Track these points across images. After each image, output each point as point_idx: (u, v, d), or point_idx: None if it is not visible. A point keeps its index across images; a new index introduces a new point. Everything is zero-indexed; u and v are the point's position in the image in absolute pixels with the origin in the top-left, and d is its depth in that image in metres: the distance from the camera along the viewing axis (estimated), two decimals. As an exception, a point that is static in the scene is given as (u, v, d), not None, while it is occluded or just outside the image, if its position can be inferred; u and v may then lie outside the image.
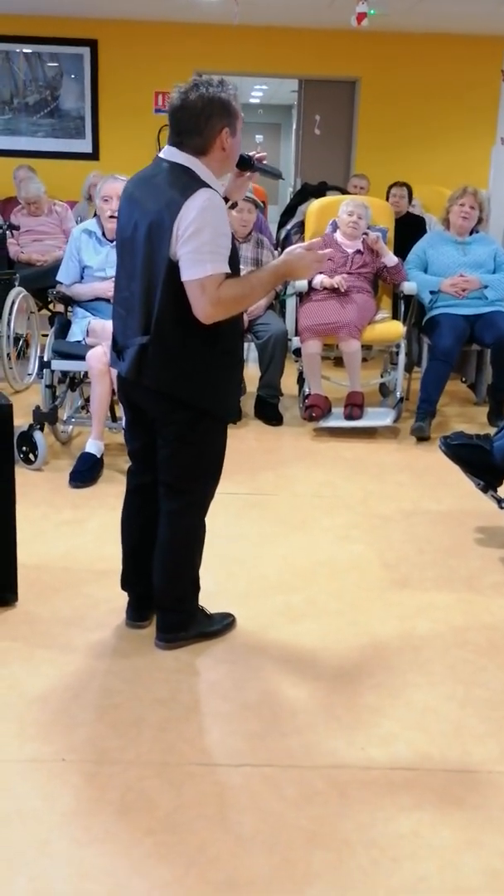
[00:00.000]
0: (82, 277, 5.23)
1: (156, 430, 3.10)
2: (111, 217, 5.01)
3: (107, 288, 5.02)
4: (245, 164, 3.12)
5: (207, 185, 2.85)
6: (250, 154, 3.14)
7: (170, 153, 2.94)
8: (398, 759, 2.71)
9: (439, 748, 2.77)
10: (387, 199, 7.85)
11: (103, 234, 5.17)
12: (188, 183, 2.85)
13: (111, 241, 5.09)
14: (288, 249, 3.07)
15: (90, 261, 5.17)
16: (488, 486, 4.16)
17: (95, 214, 5.32)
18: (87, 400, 5.46)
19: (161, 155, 2.98)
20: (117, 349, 3.10)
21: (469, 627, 3.51)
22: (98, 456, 4.90)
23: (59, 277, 5.29)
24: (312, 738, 2.80)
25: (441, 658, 3.28)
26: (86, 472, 4.82)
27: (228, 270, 2.87)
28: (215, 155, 2.93)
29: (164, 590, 3.23)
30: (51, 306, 7.11)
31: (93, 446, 4.92)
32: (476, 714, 2.95)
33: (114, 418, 5.15)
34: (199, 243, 2.79)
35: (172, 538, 3.20)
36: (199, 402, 3.01)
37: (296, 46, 10.79)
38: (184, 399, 2.99)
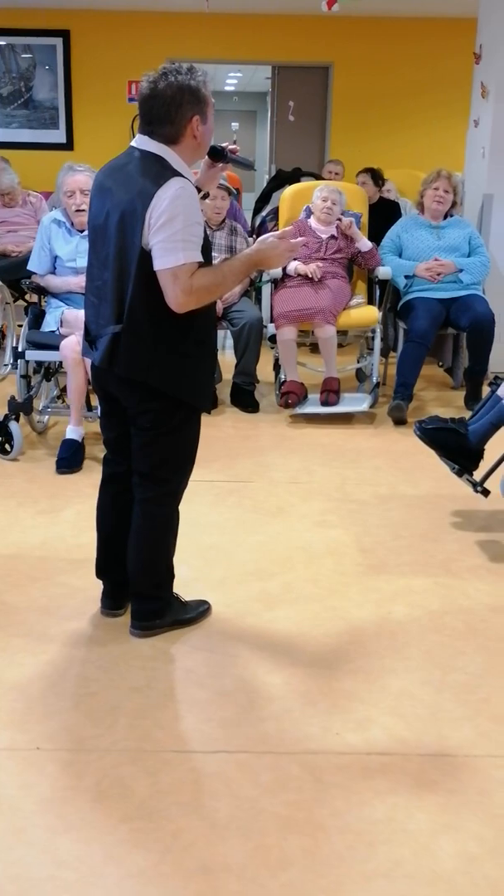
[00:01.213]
0: (55, 267, 5.21)
1: (129, 419, 3.09)
2: (78, 211, 5.00)
3: (80, 282, 5.01)
4: (217, 155, 3.12)
5: (179, 174, 2.84)
6: (223, 146, 3.14)
7: (141, 142, 2.93)
8: (374, 744, 2.71)
9: (415, 733, 2.78)
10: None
11: (72, 224, 5.15)
12: (160, 172, 2.84)
13: (80, 232, 5.07)
14: (261, 238, 3.07)
15: (61, 251, 5.15)
16: (463, 469, 4.16)
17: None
18: (63, 390, 5.45)
19: (133, 143, 2.96)
20: (90, 338, 3.10)
21: (446, 611, 3.51)
22: (79, 440, 4.92)
23: (30, 267, 5.26)
24: (288, 724, 2.80)
25: (418, 643, 3.29)
26: (71, 457, 4.84)
27: (201, 259, 2.87)
28: (187, 143, 2.92)
29: (138, 578, 3.23)
30: (26, 297, 7.08)
31: (73, 432, 4.93)
32: (453, 698, 2.96)
33: (89, 407, 5.13)
34: (172, 232, 2.78)
35: (146, 526, 3.19)
36: (172, 391, 3.00)
37: (268, 32, 10.76)
38: (157, 388, 2.98)
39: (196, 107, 2.89)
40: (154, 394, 2.99)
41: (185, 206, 2.80)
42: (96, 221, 3.00)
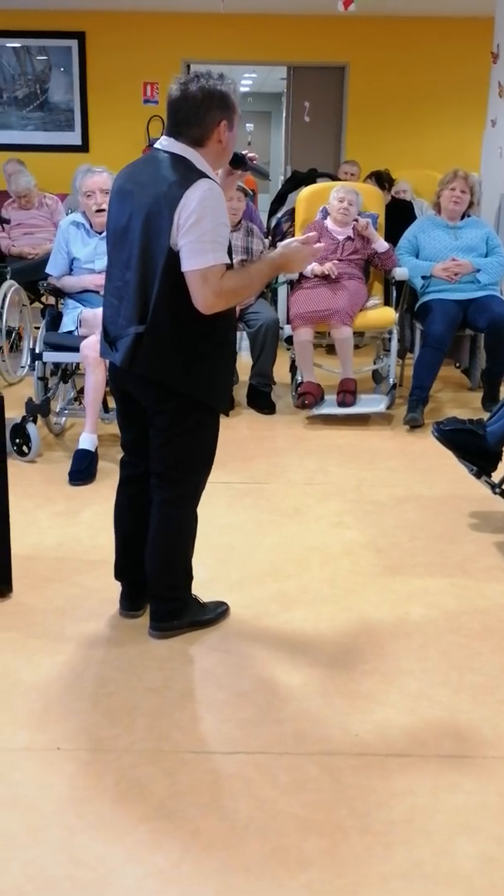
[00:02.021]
0: (71, 270, 5.22)
1: (148, 419, 3.10)
2: (98, 211, 5.00)
3: (95, 279, 5.02)
4: (238, 162, 3.14)
5: (206, 175, 2.86)
6: (243, 153, 3.16)
7: (167, 143, 2.94)
8: (392, 746, 2.71)
9: (433, 734, 2.78)
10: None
11: (91, 225, 5.16)
12: (186, 173, 2.85)
13: (99, 234, 5.08)
14: (284, 243, 3.09)
15: (78, 253, 5.16)
16: (482, 471, 4.15)
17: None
18: (80, 391, 5.45)
19: (158, 145, 2.97)
20: (109, 339, 3.09)
21: (462, 612, 3.51)
22: (93, 450, 4.84)
23: (48, 270, 5.28)
24: (306, 725, 2.80)
25: (435, 643, 3.28)
26: (84, 470, 4.76)
27: (229, 261, 2.89)
28: (212, 147, 2.93)
29: (157, 579, 3.23)
30: (43, 299, 7.10)
31: (87, 441, 4.85)
32: (470, 699, 2.95)
33: (106, 409, 5.14)
34: (201, 233, 2.79)
35: (164, 528, 3.19)
36: (192, 392, 3.01)
37: (283, 33, 10.77)
38: (177, 388, 2.98)
39: (224, 112, 2.90)
40: (172, 394, 2.99)
41: (214, 207, 2.81)
42: (117, 224, 2.99)
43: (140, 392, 3.06)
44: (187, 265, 2.83)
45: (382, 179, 7.94)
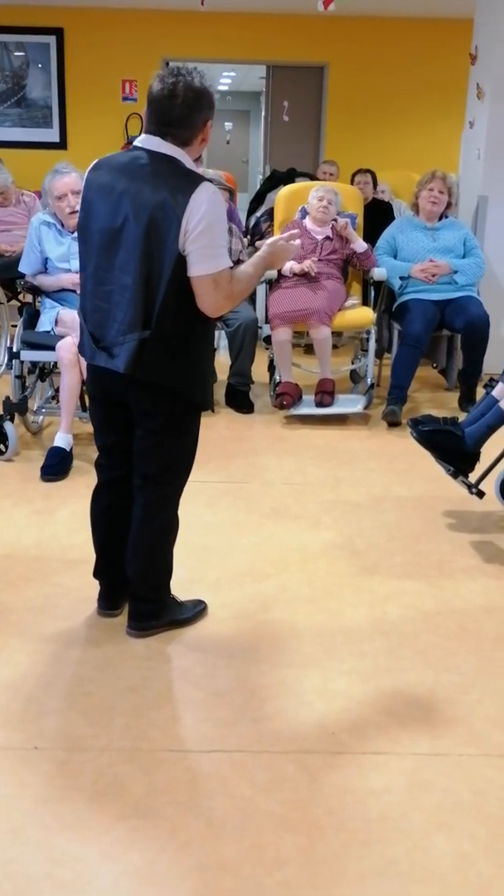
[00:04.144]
0: (46, 269, 5.20)
1: (137, 423, 3.08)
2: (72, 213, 4.97)
3: (72, 279, 5.01)
4: None
5: (204, 178, 2.86)
6: None
7: (153, 143, 2.90)
8: (368, 744, 2.73)
9: (409, 732, 2.79)
10: (351, 185, 7.85)
11: (62, 226, 5.14)
12: (186, 176, 2.85)
13: (72, 234, 5.07)
14: (271, 240, 3.12)
15: (52, 252, 5.14)
16: (459, 471, 4.17)
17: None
18: (58, 390, 5.43)
19: (140, 144, 2.93)
20: (101, 345, 3.01)
21: (439, 612, 3.53)
22: (67, 449, 4.84)
23: (21, 268, 5.26)
24: (283, 723, 2.81)
25: (411, 643, 3.30)
26: (56, 465, 4.77)
27: (231, 263, 2.92)
28: (195, 146, 2.94)
29: (140, 580, 3.23)
30: (20, 297, 7.08)
31: (61, 440, 4.85)
32: (446, 698, 2.98)
33: (84, 408, 5.13)
34: (210, 238, 2.81)
35: (150, 530, 3.19)
36: (191, 394, 3.04)
37: (263, 32, 10.78)
38: (178, 391, 3.00)
39: (210, 111, 2.92)
40: (170, 396, 3.00)
41: (219, 212, 2.84)
42: (108, 224, 2.92)
43: (137, 397, 3.02)
44: (197, 270, 2.84)
45: (374, 177, 7.98)
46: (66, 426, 4.88)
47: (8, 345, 6.55)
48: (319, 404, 5.83)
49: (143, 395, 3.00)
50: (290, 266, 5.90)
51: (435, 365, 7.12)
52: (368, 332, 6.07)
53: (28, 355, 5.11)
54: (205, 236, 2.80)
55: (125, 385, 3.01)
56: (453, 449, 4.17)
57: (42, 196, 8.39)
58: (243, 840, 2.33)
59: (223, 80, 19.17)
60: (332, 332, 5.88)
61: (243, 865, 2.25)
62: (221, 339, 6.35)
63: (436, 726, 2.83)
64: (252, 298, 6.90)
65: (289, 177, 8.09)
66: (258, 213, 7.89)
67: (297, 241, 3.21)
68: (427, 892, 2.19)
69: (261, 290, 6.66)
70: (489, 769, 2.64)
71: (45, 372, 5.44)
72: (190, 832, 2.35)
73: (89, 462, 4.85)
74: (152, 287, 2.87)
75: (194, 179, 2.83)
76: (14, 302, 7.27)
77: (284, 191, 6.58)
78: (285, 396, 5.81)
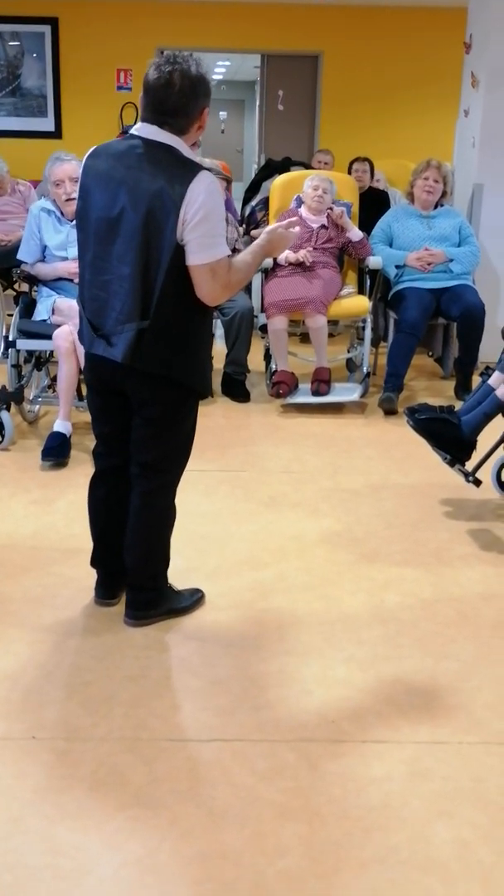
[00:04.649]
0: (44, 257, 5.19)
1: (135, 412, 3.07)
2: (68, 200, 4.97)
3: (69, 267, 5.00)
4: None
5: (202, 167, 2.85)
6: None
7: (150, 132, 2.88)
8: (369, 732, 2.73)
9: (409, 720, 2.79)
10: (349, 174, 7.84)
11: (61, 214, 5.13)
12: (184, 165, 2.84)
13: (71, 221, 5.06)
14: (269, 228, 3.11)
15: (50, 241, 5.13)
16: (455, 460, 4.17)
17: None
18: (54, 379, 5.43)
19: (137, 132, 2.91)
20: (100, 334, 2.99)
21: (437, 600, 3.53)
22: (67, 435, 4.84)
23: (20, 256, 5.24)
24: (283, 712, 2.81)
25: (410, 631, 3.30)
26: (57, 448, 4.76)
27: (230, 252, 2.91)
28: (192, 133, 2.93)
29: (138, 569, 3.23)
30: (16, 286, 7.06)
31: (61, 426, 4.85)
32: (446, 686, 2.97)
33: (80, 397, 5.12)
34: (209, 227, 2.81)
35: (149, 518, 3.19)
36: (190, 382, 3.03)
37: (258, 21, 10.74)
38: (179, 379, 3.00)
39: (207, 99, 2.90)
40: (170, 384, 3.00)
41: (217, 201, 2.83)
42: (106, 213, 2.90)
43: (135, 386, 3.01)
44: (196, 259, 2.83)
45: (372, 165, 7.97)
46: (65, 413, 4.88)
47: (4, 334, 6.53)
48: (316, 393, 5.83)
49: (141, 383, 2.99)
50: (285, 255, 5.89)
51: (431, 353, 7.12)
52: (364, 321, 6.06)
53: (24, 344, 5.10)
54: (203, 225, 2.79)
55: (123, 374, 2.99)
56: (450, 437, 4.17)
57: (43, 181, 8.40)
58: (244, 829, 2.33)
59: (218, 69, 19.13)
60: (328, 321, 5.87)
61: (244, 854, 2.25)
62: (217, 328, 6.33)
63: (436, 714, 2.83)
64: (248, 287, 6.88)
65: (284, 166, 8.06)
66: (253, 203, 7.87)
67: (296, 229, 3.20)
68: (428, 880, 2.19)
69: (257, 279, 6.64)
70: (489, 756, 2.64)
71: (42, 361, 5.42)
72: (191, 821, 2.35)
73: (87, 451, 4.84)
74: (150, 276, 2.86)
75: (192, 168, 2.82)
76: (10, 291, 7.25)
77: (280, 180, 6.57)
78: (282, 385, 5.80)
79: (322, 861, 2.23)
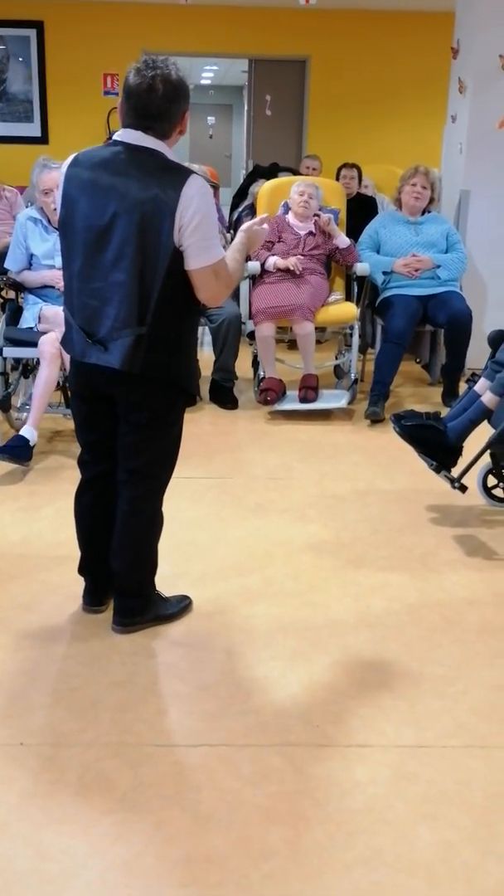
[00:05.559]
0: (30, 265, 5.20)
1: (123, 418, 3.08)
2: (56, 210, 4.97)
3: (55, 275, 5.00)
4: None
5: (191, 171, 2.88)
6: None
7: (134, 137, 2.89)
8: (353, 736, 2.75)
9: (393, 724, 2.82)
10: (337, 180, 7.88)
11: (48, 222, 5.14)
12: (173, 170, 2.87)
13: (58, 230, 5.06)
14: (245, 226, 3.20)
15: (37, 249, 5.14)
16: (441, 466, 4.19)
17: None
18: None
19: (120, 138, 2.92)
20: (96, 340, 2.97)
21: (423, 605, 3.55)
22: (31, 444, 4.73)
23: (6, 265, 5.26)
24: (268, 716, 2.83)
25: (396, 636, 3.32)
26: (15, 448, 4.64)
27: (224, 253, 2.98)
28: (173, 138, 2.96)
29: (125, 575, 3.24)
30: (2, 293, 7.07)
31: (27, 432, 4.74)
32: (431, 690, 3.00)
33: (67, 404, 5.13)
34: (206, 230, 2.85)
35: (136, 525, 3.20)
36: (185, 386, 3.08)
37: (245, 25, 10.75)
38: (173, 383, 3.03)
39: (187, 102, 2.94)
40: (161, 389, 3.02)
41: (209, 204, 2.87)
42: (94, 221, 2.89)
43: (127, 391, 3.02)
44: (198, 262, 2.87)
45: (360, 171, 8.01)
46: (35, 420, 4.80)
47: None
48: (303, 400, 5.85)
49: (134, 389, 3.00)
50: (273, 262, 5.91)
51: (418, 360, 7.15)
52: (352, 328, 6.08)
53: (11, 352, 5.11)
54: (200, 229, 2.83)
55: (117, 380, 3.00)
56: (436, 443, 4.19)
57: (30, 187, 8.39)
58: (230, 832, 2.35)
59: (205, 73, 19.16)
60: (316, 328, 5.90)
61: (230, 857, 2.26)
62: (205, 335, 6.35)
63: (420, 718, 2.85)
64: (236, 294, 6.91)
65: (271, 171, 8.10)
66: (240, 208, 7.90)
67: (266, 226, 3.28)
68: (412, 882, 2.21)
69: (244, 286, 6.66)
70: (473, 760, 2.66)
71: (29, 368, 5.43)
72: (176, 825, 2.37)
73: (73, 459, 4.84)
74: (147, 283, 2.88)
75: (182, 173, 2.85)
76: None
77: (266, 186, 6.59)
78: (269, 392, 5.83)
79: (307, 864, 2.25)
